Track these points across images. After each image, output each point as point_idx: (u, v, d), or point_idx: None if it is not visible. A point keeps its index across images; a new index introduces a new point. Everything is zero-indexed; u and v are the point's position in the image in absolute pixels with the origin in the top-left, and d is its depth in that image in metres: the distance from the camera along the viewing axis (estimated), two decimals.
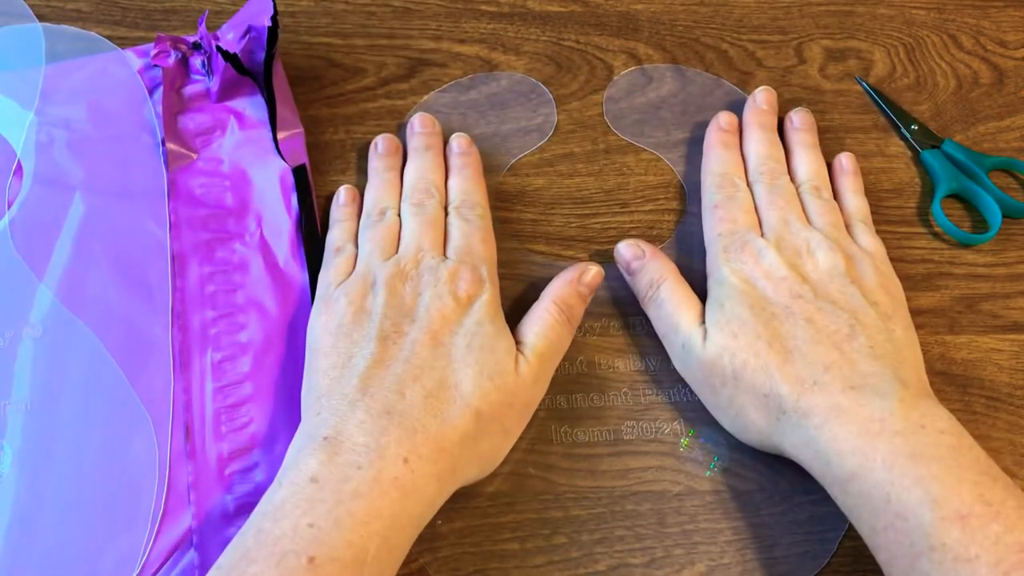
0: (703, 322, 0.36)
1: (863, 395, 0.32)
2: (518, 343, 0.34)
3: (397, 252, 0.36)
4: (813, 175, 0.40)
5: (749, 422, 0.34)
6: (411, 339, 0.33)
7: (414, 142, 0.41)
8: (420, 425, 0.30)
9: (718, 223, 0.39)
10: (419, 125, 0.42)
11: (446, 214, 0.39)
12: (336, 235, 0.39)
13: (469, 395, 0.31)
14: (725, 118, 0.43)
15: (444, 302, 0.34)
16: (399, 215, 0.39)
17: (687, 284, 0.37)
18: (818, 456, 0.32)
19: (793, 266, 0.36)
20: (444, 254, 0.36)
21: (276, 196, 0.41)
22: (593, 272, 0.37)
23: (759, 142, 0.41)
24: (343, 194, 0.40)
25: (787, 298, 0.35)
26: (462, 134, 0.42)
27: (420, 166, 0.40)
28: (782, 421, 0.33)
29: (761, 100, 0.43)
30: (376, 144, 0.42)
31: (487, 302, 0.34)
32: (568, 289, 0.36)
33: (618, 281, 0.40)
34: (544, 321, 0.35)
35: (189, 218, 0.40)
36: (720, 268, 0.37)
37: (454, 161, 0.41)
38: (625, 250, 0.38)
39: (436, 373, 0.32)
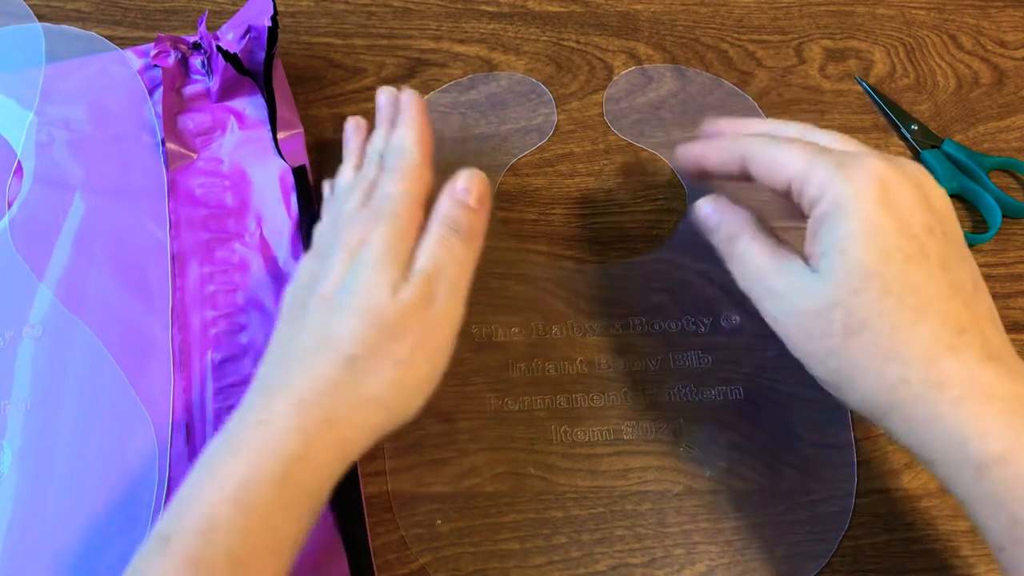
0: (802, 263, 0.30)
1: (1003, 367, 0.27)
2: (414, 276, 0.31)
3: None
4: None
5: (856, 385, 0.28)
6: (310, 305, 0.31)
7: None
8: (283, 384, 0.29)
9: (807, 148, 0.31)
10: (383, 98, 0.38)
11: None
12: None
13: (339, 341, 0.29)
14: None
15: (341, 261, 0.31)
16: None
17: (770, 233, 0.32)
18: (948, 435, 0.26)
19: (921, 189, 0.29)
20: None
21: (276, 196, 0.41)
22: (465, 176, 0.33)
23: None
24: (350, 126, 0.38)
25: (922, 233, 0.28)
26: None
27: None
28: (902, 392, 0.27)
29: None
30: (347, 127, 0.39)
31: (376, 241, 0.31)
32: (448, 202, 0.32)
33: (618, 281, 0.40)
34: (426, 240, 0.31)
35: (189, 218, 0.40)
36: (839, 187, 0.28)
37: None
38: (705, 207, 0.33)
39: (318, 330, 0.30)
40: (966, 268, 0.29)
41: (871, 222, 0.28)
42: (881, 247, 0.28)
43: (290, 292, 0.33)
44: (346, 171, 0.36)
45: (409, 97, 0.36)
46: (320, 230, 0.35)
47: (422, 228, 0.32)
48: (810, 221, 0.30)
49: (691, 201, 0.43)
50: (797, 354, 0.30)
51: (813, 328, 0.29)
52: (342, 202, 0.34)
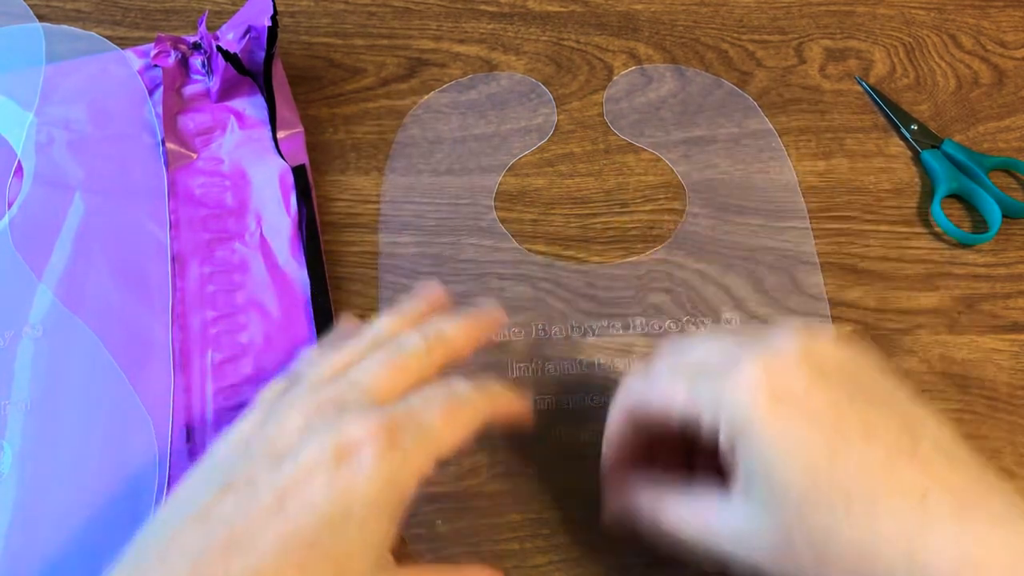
0: (732, 498, 0.26)
1: (981, 514, 0.24)
2: None
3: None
4: None
5: None
6: (254, 492, 0.24)
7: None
8: None
9: (681, 375, 0.28)
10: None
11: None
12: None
13: None
14: None
15: (322, 449, 0.24)
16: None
17: (678, 482, 0.29)
18: None
19: (807, 364, 0.26)
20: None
21: (276, 196, 0.41)
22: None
23: None
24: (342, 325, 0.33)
25: (831, 413, 0.25)
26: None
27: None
28: None
29: None
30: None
31: (380, 477, 0.24)
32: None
33: (618, 281, 0.40)
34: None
35: (189, 218, 0.40)
36: (729, 411, 0.26)
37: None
38: (613, 515, 0.31)
39: (250, 558, 0.23)
40: (892, 409, 0.26)
41: (778, 438, 0.25)
42: (803, 462, 0.24)
43: (244, 450, 0.26)
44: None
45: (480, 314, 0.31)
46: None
47: None
48: (720, 452, 0.26)
49: (691, 201, 0.43)
50: None
51: (784, 562, 0.26)
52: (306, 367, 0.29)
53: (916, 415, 0.26)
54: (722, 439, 0.26)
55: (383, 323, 0.30)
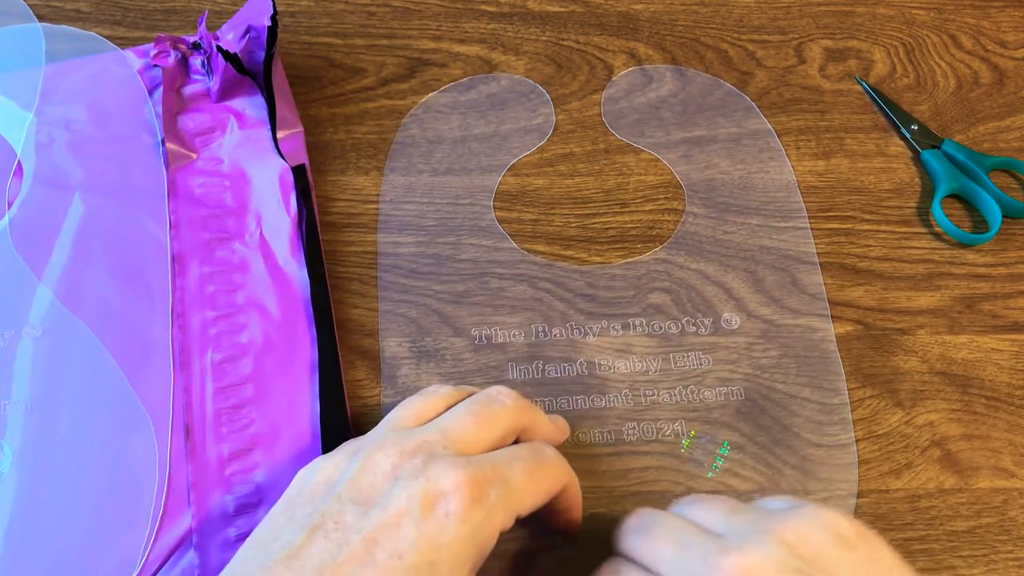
0: None
1: None
2: None
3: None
4: None
5: None
6: (344, 537, 0.25)
7: None
8: None
9: (675, 539, 0.27)
10: None
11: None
12: None
13: None
14: None
15: (411, 497, 0.25)
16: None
17: None
18: None
19: (798, 556, 0.26)
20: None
21: (276, 196, 0.40)
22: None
23: None
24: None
25: None
26: None
27: None
28: None
29: None
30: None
31: (465, 531, 0.25)
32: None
33: (618, 281, 0.40)
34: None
35: (189, 218, 0.40)
36: None
37: None
38: None
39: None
40: None
41: None
42: None
43: (336, 494, 0.26)
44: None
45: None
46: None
47: None
48: None
49: (691, 201, 0.43)
50: None
51: None
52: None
53: None
54: None
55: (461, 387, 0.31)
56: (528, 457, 0.28)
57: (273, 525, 0.26)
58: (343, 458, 0.28)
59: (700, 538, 0.26)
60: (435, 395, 0.30)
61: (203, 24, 0.42)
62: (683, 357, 0.38)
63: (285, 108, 0.42)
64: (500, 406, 0.29)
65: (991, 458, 0.37)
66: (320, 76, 0.46)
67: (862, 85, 0.47)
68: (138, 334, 0.37)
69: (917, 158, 0.45)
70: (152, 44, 0.43)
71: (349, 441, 0.29)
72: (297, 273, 0.39)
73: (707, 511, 0.28)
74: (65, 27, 0.46)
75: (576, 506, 0.31)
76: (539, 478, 0.28)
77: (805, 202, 0.43)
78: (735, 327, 0.39)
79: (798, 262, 0.41)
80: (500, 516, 0.26)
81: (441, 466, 0.26)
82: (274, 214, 0.40)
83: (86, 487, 0.34)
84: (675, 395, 0.37)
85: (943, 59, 0.49)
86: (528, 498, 0.27)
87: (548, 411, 0.37)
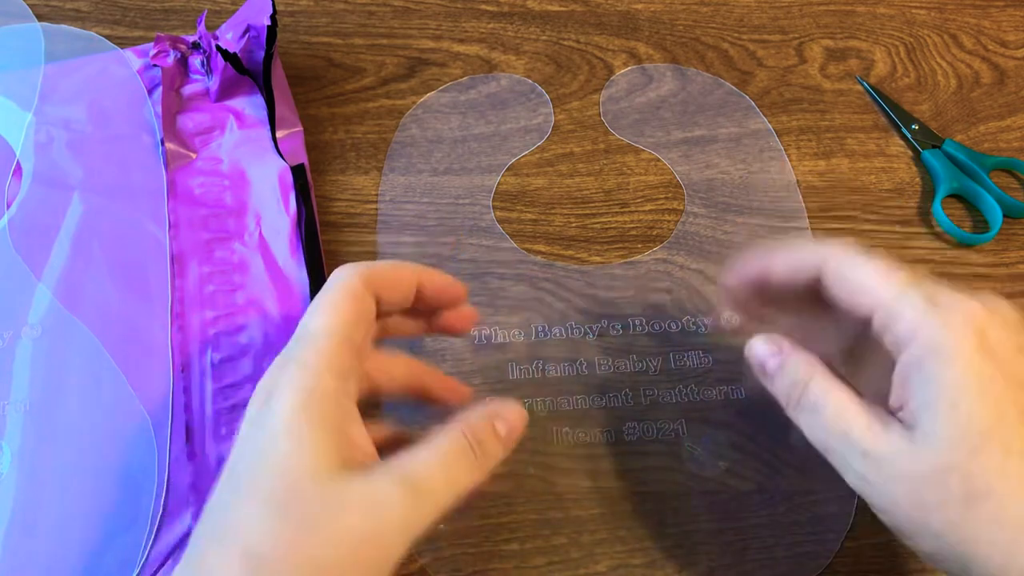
0: (894, 417, 0.25)
1: None
2: (384, 468, 0.24)
3: None
4: None
5: (981, 562, 0.24)
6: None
7: None
8: None
9: (896, 275, 0.27)
10: None
11: None
12: None
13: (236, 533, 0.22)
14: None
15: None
16: None
17: (844, 380, 0.27)
18: None
19: (1020, 334, 0.26)
20: None
21: (275, 195, 0.40)
22: (515, 411, 0.27)
23: None
24: None
25: None
26: None
27: None
28: None
29: None
30: None
31: (294, 381, 0.24)
32: (482, 423, 0.27)
33: (618, 281, 0.40)
34: (440, 447, 0.25)
35: (188, 218, 0.40)
36: (934, 331, 0.25)
37: None
38: (759, 348, 0.29)
39: (211, 502, 0.24)
40: None
41: (978, 373, 0.24)
42: (995, 401, 0.24)
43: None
44: None
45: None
46: None
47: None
48: (899, 365, 0.25)
49: (691, 201, 0.43)
50: (903, 526, 0.25)
51: (926, 496, 0.24)
52: None
53: None
54: (908, 355, 0.25)
55: None
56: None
57: None
58: None
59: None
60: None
61: (202, 24, 0.42)
62: (683, 357, 0.38)
63: (284, 108, 0.42)
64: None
65: None
66: (320, 76, 0.46)
67: (863, 85, 0.47)
68: (138, 334, 0.37)
69: (918, 158, 0.45)
70: (151, 44, 0.43)
71: None
72: (297, 273, 0.39)
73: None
74: (65, 27, 0.45)
75: (439, 285, 0.29)
76: (329, 300, 0.26)
77: (805, 202, 0.43)
78: (735, 327, 0.39)
79: None
80: (321, 361, 0.25)
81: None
82: (274, 214, 0.40)
83: (86, 487, 0.34)
84: (675, 395, 0.37)
85: (944, 59, 0.49)
86: (336, 324, 0.25)
87: (548, 411, 0.37)
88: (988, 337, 0.24)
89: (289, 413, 0.23)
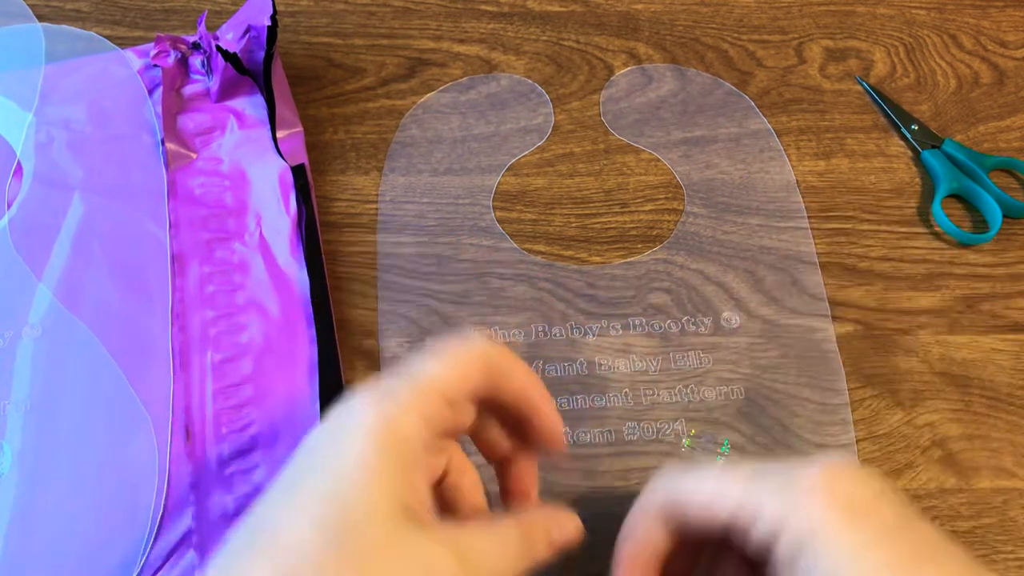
0: None
1: None
2: (443, 533, 0.23)
3: None
4: None
5: None
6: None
7: None
8: None
9: (737, 472, 0.26)
10: None
11: None
12: None
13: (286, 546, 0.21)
14: None
15: (330, 413, 0.24)
16: None
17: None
18: None
19: (869, 478, 0.26)
20: None
21: (275, 195, 0.40)
22: (572, 524, 0.27)
23: None
24: None
25: (898, 523, 0.24)
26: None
27: None
28: None
29: None
30: None
31: (366, 417, 0.23)
32: (541, 524, 0.26)
33: (618, 281, 0.40)
34: (498, 533, 0.25)
35: (189, 218, 0.40)
36: (796, 520, 0.24)
37: None
38: None
39: (258, 505, 0.23)
40: (942, 534, 0.25)
41: (853, 551, 0.23)
42: (884, 565, 0.23)
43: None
44: None
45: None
46: None
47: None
48: (774, 561, 0.24)
49: (690, 201, 0.43)
50: None
51: None
52: None
53: (953, 545, 0.25)
54: (783, 547, 0.24)
55: None
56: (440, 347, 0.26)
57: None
58: None
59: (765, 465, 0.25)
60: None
61: (203, 24, 0.42)
62: (683, 357, 0.38)
63: (285, 108, 0.42)
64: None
65: (992, 458, 0.37)
66: (320, 76, 0.46)
67: (862, 85, 0.47)
68: (138, 334, 0.37)
69: (917, 158, 0.45)
70: (152, 44, 0.43)
71: None
72: (297, 273, 0.39)
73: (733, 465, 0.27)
74: (65, 27, 0.45)
75: (535, 398, 0.27)
76: (449, 350, 0.25)
77: (805, 202, 0.43)
78: (735, 327, 0.39)
79: (798, 262, 0.41)
80: (415, 401, 0.24)
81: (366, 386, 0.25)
82: (274, 214, 0.40)
83: (86, 487, 0.34)
84: (675, 395, 0.37)
85: (943, 59, 0.49)
86: (445, 373, 0.24)
87: None
88: (849, 497, 0.24)
89: (369, 446, 0.23)
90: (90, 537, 0.33)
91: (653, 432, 0.37)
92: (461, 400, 0.25)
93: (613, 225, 0.42)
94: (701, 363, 0.38)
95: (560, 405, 0.37)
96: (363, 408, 0.23)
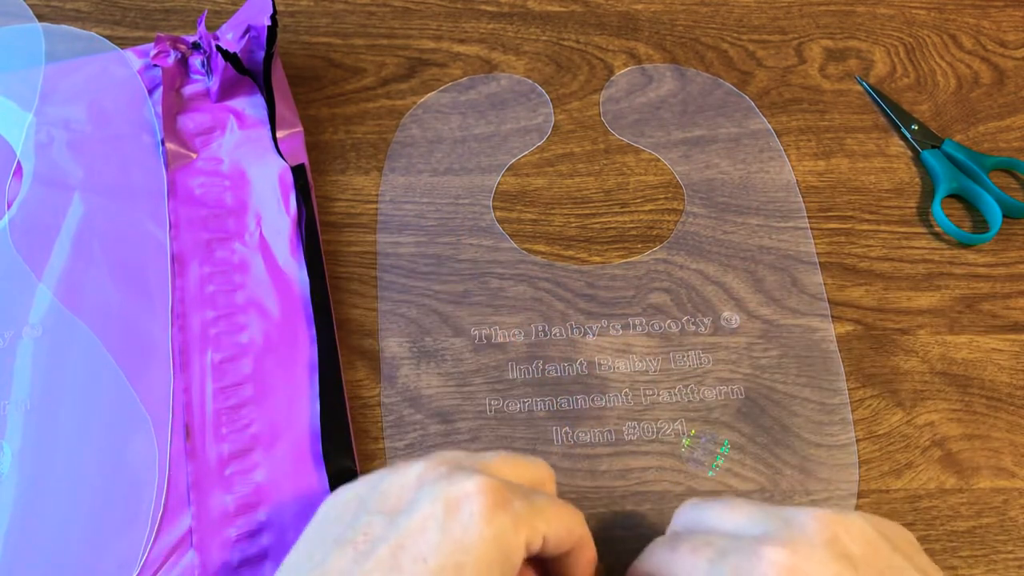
0: None
1: None
2: None
3: None
4: None
5: None
6: (371, 548, 0.24)
7: None
8: None
9: (701, 552, 0.27)
10: None
11: None
12: None
13: None
14: None
15: (434, 501, 0.25)
16: None
17: None
18: None
19: (833, 548, 0.26)
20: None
21: (275, 195, 0.40)
22: None
23: None
24: None
25: None
26: None
27: None
28: None
29: None
30: None
31: (489, 533, 0.24)
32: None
33: (618, 281, 0.40)
34: None
35: (189, 218, 0.40)
36: None
37: None
38: None
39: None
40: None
41: None
42: None
43: (364, 508, 0.26)
44: None
45: None
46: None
47: None
48: None
49: (690, 201, 0.43)
50: None
51: None
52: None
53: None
54: None
55: None
56: (550, 498, 0.27)
57: (306, 547, 0.26)
58: (373, 476, 0.28)
59: (734, 542, 0.26)
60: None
61: (203, 24, 0.42)
62: (683, 357, 0.38)
63: (285, 108, 0.42)
64: (533, 461, 0.29)
65: (991, 458, 0.37)
66: (320, 76, 0.46)
67: (862, 85, 0.47)
68: (138, 334, 0.37)
69: (917, 158, 0.45)
70: (152, 44, 0.43)
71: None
72: (297, 273, 0.39)
73: (727, 513, 0.28)
74: (65, 27, 0.46)
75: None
76: (562, 509, 0.27)
77: (805, 202, 0.43)
78: (735, 327, 0.39)
79: (798, 262, 0.41)
80: (525, 529, 0.25)
81: (466, 473, 0.25)
82: (274, 214, 0.40)
83: (86, 487, 0.34)
84: (675, 395, 0.37)
85: (943, 59, 0.49)
86: (554, 521, 0.26)
87: (548, 411, 0.37)
88: (850, 556, 0.24)
89: (484, 565, 0.24)
90: (90, 537, 0.33)
91: (653, 432, 0.37)
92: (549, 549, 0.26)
93: (613, 225, 0.42)
94: (701, 363, 0.38)
95: (560, 405, 0.37)
96: (484, 521, 0.24)
